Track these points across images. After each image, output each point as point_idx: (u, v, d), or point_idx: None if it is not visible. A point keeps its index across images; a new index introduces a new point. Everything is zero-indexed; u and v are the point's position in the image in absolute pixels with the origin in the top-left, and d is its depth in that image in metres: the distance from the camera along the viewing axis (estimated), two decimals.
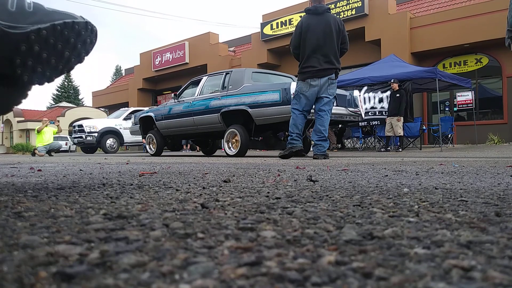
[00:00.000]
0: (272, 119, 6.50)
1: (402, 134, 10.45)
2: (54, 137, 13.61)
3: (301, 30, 5.01)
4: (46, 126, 13.10)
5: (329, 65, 4.95)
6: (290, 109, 5.27)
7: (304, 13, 5.14)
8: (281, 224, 0.85)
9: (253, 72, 7.46)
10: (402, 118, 10.28)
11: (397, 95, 10.18)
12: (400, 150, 10.50)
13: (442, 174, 2.27)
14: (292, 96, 5.53)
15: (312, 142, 5.23)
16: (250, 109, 6.68)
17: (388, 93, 10.99)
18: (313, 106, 5.23)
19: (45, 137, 13.01)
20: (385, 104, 11.12)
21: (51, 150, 13.23)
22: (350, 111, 7.12)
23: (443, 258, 0.58)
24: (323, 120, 5.06)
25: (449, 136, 12.72)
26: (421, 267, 0.54)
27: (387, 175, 2.23)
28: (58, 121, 13.97)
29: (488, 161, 3.89)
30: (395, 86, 10.18)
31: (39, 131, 13.01)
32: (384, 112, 11.12)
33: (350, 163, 3.77)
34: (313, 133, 5.20)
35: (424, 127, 13.21)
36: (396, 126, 10.28)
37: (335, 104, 6.42)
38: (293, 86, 5.79)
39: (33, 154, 12.82)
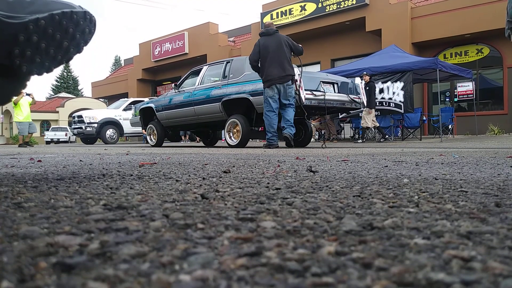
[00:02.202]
0: None
1: (370, 125, 10.63)
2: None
3: (259, 48, 6.19)
4: (22, 97, 12.87)
5: (285, 72, 6.15)
6: (264, 112, 6.25)
7: (259, 36, 6.42)
8: (281, 215, 0.85)
9: None
10: (373, 110, 10.36)
11: (367, 88, 10.17)
12: (382, 140, 10.61)
13: (442, 165, 2.27)
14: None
15: (283, 127, 6.31)
16: (251, 97, 6.67)
17: (389, 83, 10.96)
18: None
19: (24, 109, 12.71)
20: (386, 95, 11.10)
21: (29, 142, 12.98)
22: (352, 98, 7.12)
23: (443, 249, 0.58)
24: (288, 113, 6.25)
25: (449, 126, 12.70)
26: (421, 258, 0.54)
27: (387, 166, 2.23)
28: (32, 95, 13.59)
29: (488, 151, 3.89)
30: (367, 78, 10.20)
31: (16, 103, 12.74)
32: (384, 103, 11.10)
33: (350, 154, 3.77)
34: (282, 122, 6.29)
35: (424, 118, 13.19)
36: (367, 118, 10.39)
37: (336, 90, 7.04)
38: (295, 72, 6.31)
39: (27, 144, 12.65)
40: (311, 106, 6.59)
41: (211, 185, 1.39)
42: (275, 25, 18.73)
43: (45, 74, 1.45)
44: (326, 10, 16.86)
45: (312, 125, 9.95)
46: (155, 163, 2.62)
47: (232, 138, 7.09)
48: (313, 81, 6.74)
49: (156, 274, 0.47)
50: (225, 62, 7.61)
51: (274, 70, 6.09)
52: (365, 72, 10.45)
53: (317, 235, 0.67)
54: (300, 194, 1.16)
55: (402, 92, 10.90)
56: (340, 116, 12.73)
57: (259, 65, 6.25)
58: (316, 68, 17.12)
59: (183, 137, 16.10)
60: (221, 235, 0.67)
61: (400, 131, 12.75)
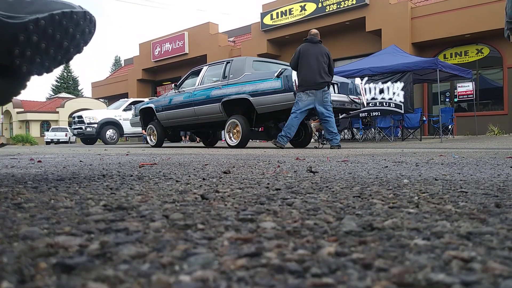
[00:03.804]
0: (273, 107, 6.51)
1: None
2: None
3: (300, 53, 6.32)
4: None
5: (321, 79, 6.27)
6: (292, 111, 6.28)
7: (303, 42, 6.54)
8: (281, 215, 0.85)
9: (254, 60, 7.43)
10: None
11: None
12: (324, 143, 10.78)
13: (442, 165, 2.27)
14: (293, 83, 6.29)
15: (329, 139, 6.50)
16: (251, 98, 6.67)
17: (389, 83, 10.96)
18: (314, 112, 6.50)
19: None
20: (386, 95, 11.10)
21: None
22: (352, 99, 7.13)
23: (443, 249, 0.58)
24: (330, 123, 6.37)
25: (449, 127, 12.70)
26: (421, 258, 0.54)
27: (387, 166, 2.23)
28: None
29: (488, 152, 3.89)
30: None
31: None
32: (384, 103, 11.10)
33: (350, 154, 3.77)
34: (325, 133, 6.54)
35: (424, 118, 13.18)
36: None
37: (336, 91, 7.18)
38: (295, 73, 6.32)
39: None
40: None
41: (211, 186, 1.39)
42: (275, 25, 18.91)
43: (45, 74, 1.45)
44: (326, 10, 16.87)
45: (312, 126, 9.97)
46: (155, 164, 2.62)
47: (232, 138, 7.09)
48: None
49: (156, 275, 0.47)
50: (225, 62, 7.61)
51: (311, 77, 6.21)
52: None
53: (317, 236, 0.67)
54: (300, 194, 1.16)
55: (402, 93, 10.89)
56: (340, 117, 12.72)
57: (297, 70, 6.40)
58: None
59: (183, 138, 16.10)
60: (221, 235, 0.67)
61: (400, 132, 12.75)
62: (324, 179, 1.59)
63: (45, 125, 40.14)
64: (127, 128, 15.15)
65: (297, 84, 6.29)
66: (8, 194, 1.18)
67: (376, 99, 11.26)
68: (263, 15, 19.25)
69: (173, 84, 8.86)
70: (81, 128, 15.44)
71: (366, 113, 11.63)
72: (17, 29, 1.25)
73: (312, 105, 6.24)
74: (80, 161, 3.05)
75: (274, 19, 18.74)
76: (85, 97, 44.64)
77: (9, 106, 38.64)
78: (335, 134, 6.41)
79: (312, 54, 6.30)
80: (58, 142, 32.18)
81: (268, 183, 1.45)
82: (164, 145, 10.16)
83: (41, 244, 0.61)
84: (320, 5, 17.05)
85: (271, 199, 1.07)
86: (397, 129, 12.63)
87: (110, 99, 29.32)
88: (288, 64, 7.99)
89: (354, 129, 13.88)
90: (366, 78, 11.28)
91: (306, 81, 6.21)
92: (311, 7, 17.32)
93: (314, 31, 6.69)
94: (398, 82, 10.93)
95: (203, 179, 1.62)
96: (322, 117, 6.41)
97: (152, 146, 8.92)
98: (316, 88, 6.22)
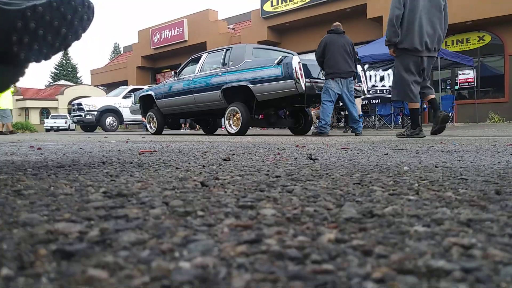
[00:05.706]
0: (273, 94, 6.48)
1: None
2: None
3: (326, 43, 6.43)
4: None
5: (350, 68, 6.49)
6: (322, 101, 6.51)
7: (327, 33, 6.69)
8: (281, 202, 0.85)
9: (253, 48, 7.38)
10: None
11: None
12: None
13: (442, 153, 2.27)
14: (293, 71, 6.26)
15: (353, 127, 6.83)
16: (251, 85, 6.63)
17: (390, 71, 10.91)
18: (339, 101, 6.87)
19: (6, 97, 12.20)
20: (386, 83, 11.05)
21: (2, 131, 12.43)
22: None
23: (443, 236, 0.58)
24: (354, 113, 6.67)
25: (450, 114, 12.68)
26: (421, 245, 0.54)
27: (387, 154, 2.23)
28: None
29: (488, 139, 3.89)
30: None
31: None
32: (385, 91, 11.06)
33: (350, 142, 3.77)
34: (351, 121, 6.84)
35: (425, 106, 13.14)
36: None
37: None
38: (295, 61, 6.28)
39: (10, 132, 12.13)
40: (311, 94, 6.57)
41: (211, 173, 1.38)
42: (275, 12, 18.78)
43: (43, 61, 1.43)
44: None
45: (312, 113, 9.94)
46: (155, 151, 2.62)
47: (232, 126, 7.08)
48: (314, 69, 6.72)
49: (156, 261, 0.47)
50: (224, 49, 7.55)
51: (341, 65, 6.39)
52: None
53: (317, 223, 0.67)
54: (300, 181, 1.16)
55: None
56: (340, 104, 12.69)
57: (324, 60, 6.50)
58: None
59: (183, 125, 16.06)
60: (221, 222, 0.67)
61: (400, 119, 12.73)
62: (324, 166, 1.59)
63: (45, 113, 40.10)
64: (127, 115, 15.11)
65: (324, 72, 6.49)
66: (8, 181, 1.18)
67: (377, 86, 11.22)
68: (263, 1, 19.07)
69: (172, 72, 8.82)
70: (80, 116, 15.40)
71: (366, 101, 11.59)
72: (14, 16, 1.24)
73: (340, 91, 6.44)
74: (80, 148, 3.05)
75: (274, 6, 18.57)
76: (84, 84, 44.52)
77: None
78: (358, 122, 6.64)
79: (339, 44, 6.45)
80: (57, 129, 32.19)
81: (268, 170, 1.44)
82: (164, 132, 10.15)
83: (41, 230, 0.61)
84: None
85: (271, 186, 1.07)
86: (397, 116, 12.61)
87: (109, 87, 29.23)
88: (289, 51, 7.97)
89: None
90: (366, 66, 11.21)
91: (335, 70, 6.37)
92: None
93: (337, 23, 6.88)
94: None
95: (203, 166, 1.62)
96: (346, 105, 6.65)
97: (152, 134, 8.92)
98: (344, 76, 6.41)
